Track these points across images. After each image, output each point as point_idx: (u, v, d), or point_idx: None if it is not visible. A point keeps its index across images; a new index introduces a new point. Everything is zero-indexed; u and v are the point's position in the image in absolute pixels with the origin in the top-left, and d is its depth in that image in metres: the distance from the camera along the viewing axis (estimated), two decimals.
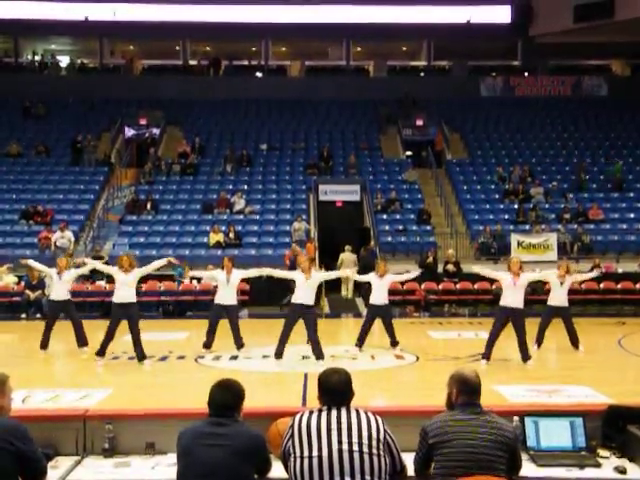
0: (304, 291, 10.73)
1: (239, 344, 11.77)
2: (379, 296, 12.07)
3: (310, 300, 10.79)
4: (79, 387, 8.57)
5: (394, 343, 12.07)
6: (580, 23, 28.52)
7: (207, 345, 11.77)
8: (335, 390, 3.90)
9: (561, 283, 11.92)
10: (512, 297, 10.58)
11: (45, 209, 21.99)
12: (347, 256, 19.76)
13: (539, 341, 11.84)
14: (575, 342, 11.83)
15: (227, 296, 11.83)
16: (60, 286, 12.02)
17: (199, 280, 17.91)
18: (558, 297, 11.94)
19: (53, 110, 28.71)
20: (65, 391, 8.21)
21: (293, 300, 10.94)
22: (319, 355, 10.65)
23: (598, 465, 4.48)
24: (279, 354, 10.77)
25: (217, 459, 3.70)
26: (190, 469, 3.74)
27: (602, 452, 4.66)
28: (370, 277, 12.30)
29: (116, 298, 10.90)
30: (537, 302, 17.35)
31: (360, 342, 12.04)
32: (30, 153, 26.11)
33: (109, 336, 10.87)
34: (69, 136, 26.36)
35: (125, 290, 10.82)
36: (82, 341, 11.92)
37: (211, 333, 11.77)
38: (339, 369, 4.04)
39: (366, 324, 12.14)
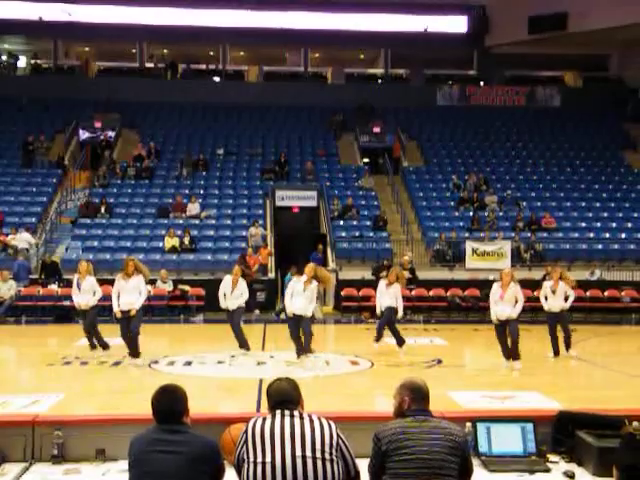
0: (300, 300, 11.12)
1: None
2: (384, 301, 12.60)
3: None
4: (29, 393, 8.41)
5: (398, 343, 12.45)
6: (534, 34, 29.07)
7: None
8: (279, 392, 3.96)
9: (553, 291, 12.09)
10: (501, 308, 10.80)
11: None
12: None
13: (555, 349, 12.00)
14: (567, 345, 12.03)
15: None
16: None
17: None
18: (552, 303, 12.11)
19: (5, 110, 28.15)
20: (15, 397, 8.04)
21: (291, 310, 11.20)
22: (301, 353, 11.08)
23: (548, 470, 4.56)
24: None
25: (170, 467, 3.64)
26: (143, 477, 3.68)
27: (552, 457, 4.74)
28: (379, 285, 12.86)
29: (121, 305, 10.97)
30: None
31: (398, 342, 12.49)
32: None
33: (126, 339, 11.12)
34: (21, 137, 25.90)
35: (127, 296, 10.94)
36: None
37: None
38: (282, 377, 4.14)
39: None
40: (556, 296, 12.05)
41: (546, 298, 12.15)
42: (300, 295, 11.11)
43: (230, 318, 12.06)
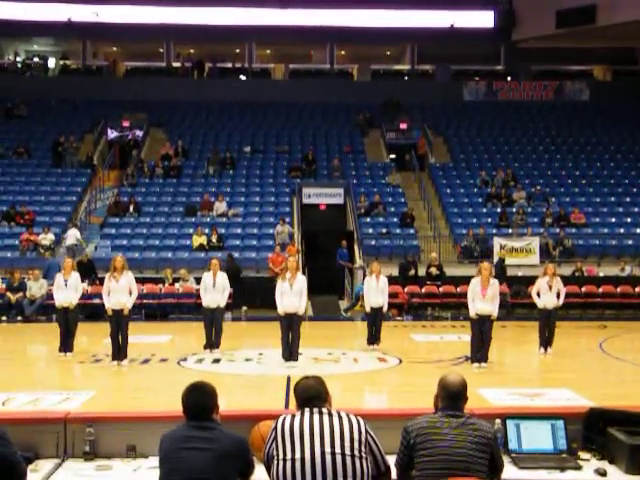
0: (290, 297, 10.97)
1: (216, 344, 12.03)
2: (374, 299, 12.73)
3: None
4: (61, 390, 8.51)
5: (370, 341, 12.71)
6: (562, 28, 28.72)
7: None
8: (306, 390, 3.96)
9: (550, 287, 12.06)
10: (481, 305, 10.76)
11: (27, 211, 21.86)
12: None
13: (543, 345, 12.04)
14: (548, 343, 12.06)
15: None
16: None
17: None
18: (548, 300, 12.07)
19: (35, 111, 28.51)
20: (46, 394, 8.15)
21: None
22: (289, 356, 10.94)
23: (579, 467, 4.51)
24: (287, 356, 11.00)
25: (200, 463, 3.66)
26: (173, 474, 3.70)
27: (583, 454, 4.68)
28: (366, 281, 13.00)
29: (111, 305, 11.06)
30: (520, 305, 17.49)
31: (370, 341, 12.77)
32: (11, 154, 25.91)
33: (115, 340, 11.04)
34: (51, 137, 26.18)
35: (117, 296, 11.02)
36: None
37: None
38: (309, 375, 4.14)
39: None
40: (552, 292, 12.11)
41: (538, 295, 12.21)
42: (288, 293, 10.94)
43: (214, 317, 11.94)
